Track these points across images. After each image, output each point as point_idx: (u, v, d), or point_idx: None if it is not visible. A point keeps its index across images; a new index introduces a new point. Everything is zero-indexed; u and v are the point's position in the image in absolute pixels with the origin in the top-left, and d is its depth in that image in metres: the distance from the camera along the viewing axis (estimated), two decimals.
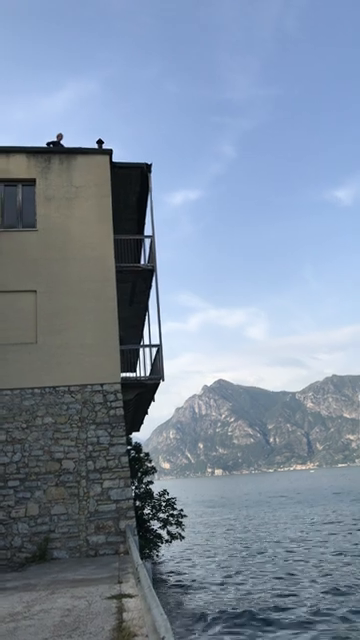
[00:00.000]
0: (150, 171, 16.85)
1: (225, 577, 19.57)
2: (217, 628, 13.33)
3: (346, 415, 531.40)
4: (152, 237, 16.78)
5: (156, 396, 17.48)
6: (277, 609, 14.78)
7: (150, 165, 16.77)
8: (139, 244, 18.18)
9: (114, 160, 16.52)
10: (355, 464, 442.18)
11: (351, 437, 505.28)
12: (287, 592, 16.65)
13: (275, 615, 14.25)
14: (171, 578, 20.18)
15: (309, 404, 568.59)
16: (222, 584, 18.43)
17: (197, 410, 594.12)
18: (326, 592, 16.36)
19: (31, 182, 15.90)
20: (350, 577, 18.31)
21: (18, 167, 15.97)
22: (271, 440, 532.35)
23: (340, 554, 23.00)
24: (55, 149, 16.39)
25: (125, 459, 13.98)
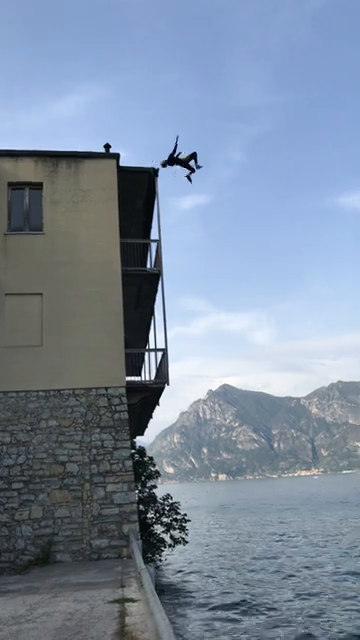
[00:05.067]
0: (157, 175, 16.89)
1: (228, 582, 19.50)
2: (220, 634, 13.27)
3: (351, 421, 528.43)
4: (158, 241, 16.83)
5: (161, 400, 17.49)
6: (281, 616, 14.71)
7: (157, 170, 16.81)
8: (145, 248, 18.23)
9: (121, 164, 16.60)
10: None
11: (357, 443, 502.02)
12: (291, 600, 16.57)
13: (279, 622, 14.18)
14: (174, 582, 20.13)
15: (314, 410, 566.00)
16: (225, 589, 18.36)
17: (201, 415, 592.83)
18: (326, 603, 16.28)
19: (38, 186, 15.98)
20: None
21: (25, 171, 16.06)
22: (275, 445, 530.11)
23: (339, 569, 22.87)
24: (62, 152, 16.46)
25: (129, 463, 13.97)
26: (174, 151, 13.16)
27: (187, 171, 13.41)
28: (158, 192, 17.02)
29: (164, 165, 13.37)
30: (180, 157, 13.24)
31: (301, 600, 16.35)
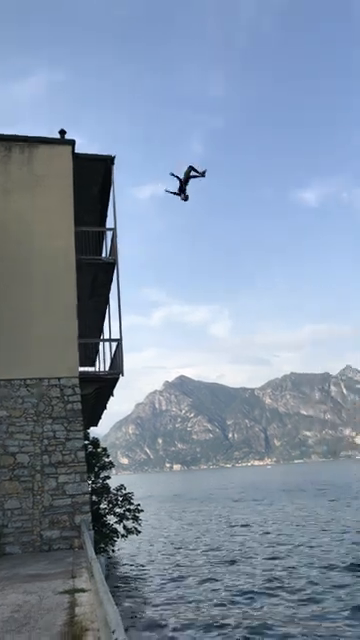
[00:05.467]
0: (113, 163, 16.69)
1: (180, 572, 19.70)
2: (170, 622, 13.40)
3: (303, 412, 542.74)
4: (114, 230, 16.66)
5: (116, 391, 17.39)
6: (229, 603, 14.97)
7: (113, 158, 16.61)
8: (101, 236, 18.02)
9: (77, 151, 16.30)
10: (311, 460, 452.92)
11: (308, 433, 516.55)
12: (241, 587, 16.88)
13: (227, 610, 14.44)
14: (126, 572, 20.19)
15: (267, 400, 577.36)
16: (176, 579, 18.54)
17: (157, 406, 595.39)
18: (279, 588, 16.70)
19: None
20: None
21: None
22: (230, 436, 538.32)
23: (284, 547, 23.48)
24: (15, 137, 16.02)
25: (82, 454, 13.87)
26: (181, 182, 13.10)
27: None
28: (114, 180, 16.83)
29: (186, 199, 13.30)
30: (184, 177, 13.25)
31: (250, 587, 16.68)
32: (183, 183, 13.17)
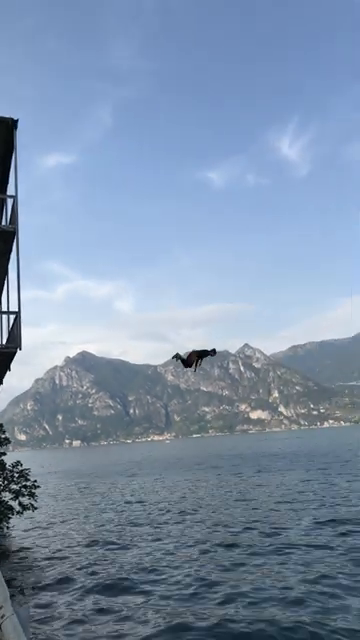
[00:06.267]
0: (16, 127, 15.82)
1: (72, 548, 19.75)
2: (61, 597, 13.45)
3: (203, 388, 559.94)
4: (15, 197, 15.90)
5: (15, 366, 16.78)
6: (125, 577, 15.28)
7: (16, 121, 15.75)
8: (1, 204, 17.14)
9: None
10: (208, 434, 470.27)
11: (206, 409, 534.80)
12: (136, 562, 17.28)
13: (125, 582, 14.73)
14: (19, 549, 19.89)
15: (169, 377, 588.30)
16: (69, 554, 18.58)
17: (58, 381, 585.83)
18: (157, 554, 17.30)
19: None
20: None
21: None
22: (131, 411, 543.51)
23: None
24: None
25: None
26: (194, 358, 11.52)
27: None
28: (17, 145, 15.99)
29: (213, 352, 11.60)
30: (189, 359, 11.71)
31: (145, 562, 17.13)
32: (196, 359, 11.75)
